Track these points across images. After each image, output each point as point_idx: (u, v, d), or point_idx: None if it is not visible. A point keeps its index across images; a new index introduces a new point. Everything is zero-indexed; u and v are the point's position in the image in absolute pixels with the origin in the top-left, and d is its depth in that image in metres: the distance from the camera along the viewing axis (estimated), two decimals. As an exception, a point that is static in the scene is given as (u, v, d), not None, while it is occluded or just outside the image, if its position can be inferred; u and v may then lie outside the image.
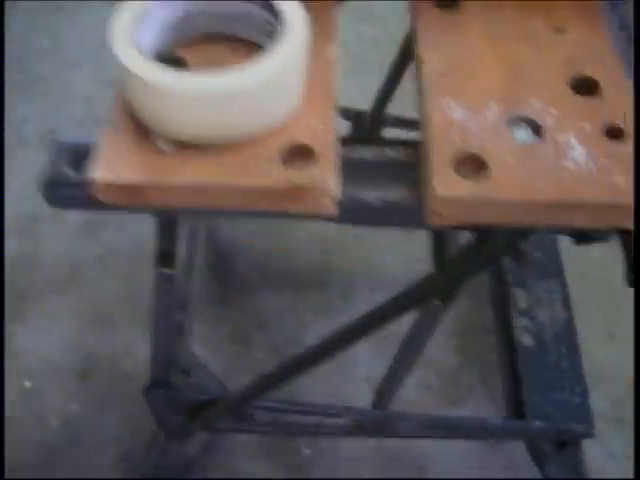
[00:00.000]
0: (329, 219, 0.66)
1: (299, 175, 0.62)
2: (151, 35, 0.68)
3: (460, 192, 0.61)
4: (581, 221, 0.63)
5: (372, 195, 0.66)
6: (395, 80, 1.41)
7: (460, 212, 0.62)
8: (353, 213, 0.67)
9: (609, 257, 1.21)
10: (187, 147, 0.64)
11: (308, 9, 0.67)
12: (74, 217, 1.61)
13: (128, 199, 0.63)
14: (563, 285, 1.28)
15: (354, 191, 0.66)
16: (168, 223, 0.86)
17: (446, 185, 0.61)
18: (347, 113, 1.43)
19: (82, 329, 1.46)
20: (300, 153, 0.64)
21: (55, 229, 1.59)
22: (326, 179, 0.62)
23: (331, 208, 0.64)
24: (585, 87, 0.69)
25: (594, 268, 1.52)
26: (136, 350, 1.40)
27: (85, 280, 1.53)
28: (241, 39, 0.71)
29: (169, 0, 0.68)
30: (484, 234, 0.76)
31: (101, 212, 0.69)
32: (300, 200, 0.63)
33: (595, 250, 0.77)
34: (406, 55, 1.32)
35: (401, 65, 1.36)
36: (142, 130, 0.65)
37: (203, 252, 1.46)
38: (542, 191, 0.61)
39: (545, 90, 0.68)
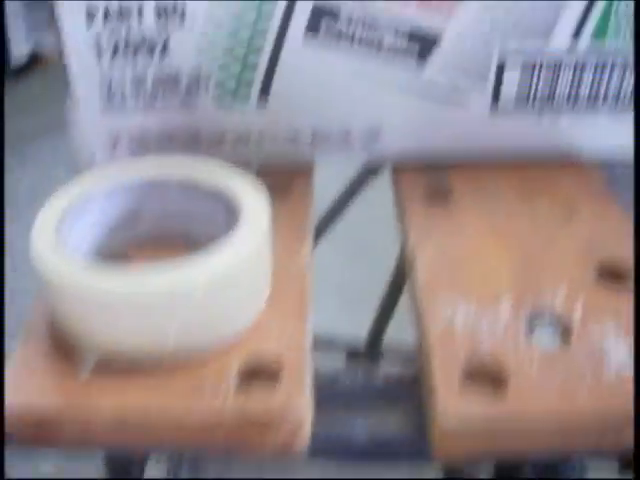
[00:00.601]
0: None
1: (257, 401, 0.44)
2: (88, 232, 0.53)
3: (472, 413, 0.42)
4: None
5: (357, 424, 0.47)
6: (389, 310, 1.28)
7: (475, 440, 0.43)
8: (331, 448, 0.48)
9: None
10: (119, 367, 0.46)
11: (278, 209, 0.53)
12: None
13: (37, 434, 0.45)
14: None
15: (331, 420, 0.47)
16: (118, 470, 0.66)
17: (452, 406, 0.43)
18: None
19: None
20: (262, 369, 0.46)
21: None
22: (293, 406, 0.43)
23: (300, 444, 0.45)
24: (612, 274, 0.53)
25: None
26: None
27: None
28: (201, 238, 0.55)
29: (108, 193, 0.54)
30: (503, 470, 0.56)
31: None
32: (259, 434, 0.44)
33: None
34: (397, 285, 1.20)
35: (394, 294, 1.24)
36: (62, 346, 0.48)
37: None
38: (581, 405, 0.43)
39: (565, 280, 0.52)
